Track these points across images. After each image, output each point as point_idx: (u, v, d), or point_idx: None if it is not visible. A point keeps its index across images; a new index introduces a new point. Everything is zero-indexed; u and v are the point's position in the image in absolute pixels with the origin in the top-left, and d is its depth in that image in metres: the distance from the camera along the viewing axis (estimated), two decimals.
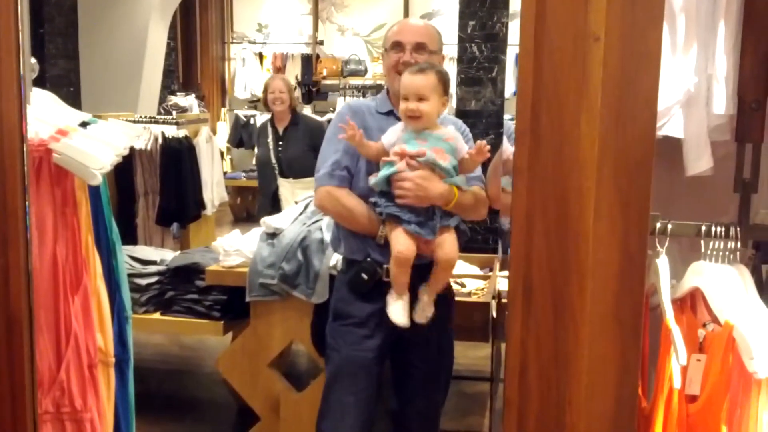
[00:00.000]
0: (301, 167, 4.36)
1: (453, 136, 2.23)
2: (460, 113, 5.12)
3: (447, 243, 2.18)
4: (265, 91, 4.54)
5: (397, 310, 2.16)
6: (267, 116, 4.81)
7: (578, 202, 1.17)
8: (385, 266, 2.23)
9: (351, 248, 2.32)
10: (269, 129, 4.57)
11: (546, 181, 1.18)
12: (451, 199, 2.18)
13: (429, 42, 2.31)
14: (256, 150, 4.70)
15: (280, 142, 4.51)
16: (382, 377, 2.35)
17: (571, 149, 1.16)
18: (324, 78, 9.50)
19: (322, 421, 2.33)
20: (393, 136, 2.21)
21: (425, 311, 2.19)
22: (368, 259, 2.26)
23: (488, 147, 2.19)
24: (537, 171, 1.18)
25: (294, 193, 4.34)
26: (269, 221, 3.17)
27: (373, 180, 2.21)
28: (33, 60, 1.76)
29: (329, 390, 2.32)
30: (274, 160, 4.50)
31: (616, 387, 1.23)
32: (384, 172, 2.17)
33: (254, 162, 4.83)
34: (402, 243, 2.13)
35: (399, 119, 2.27)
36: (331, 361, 2.34)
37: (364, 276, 2.25)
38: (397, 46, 2.31)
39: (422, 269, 2.18)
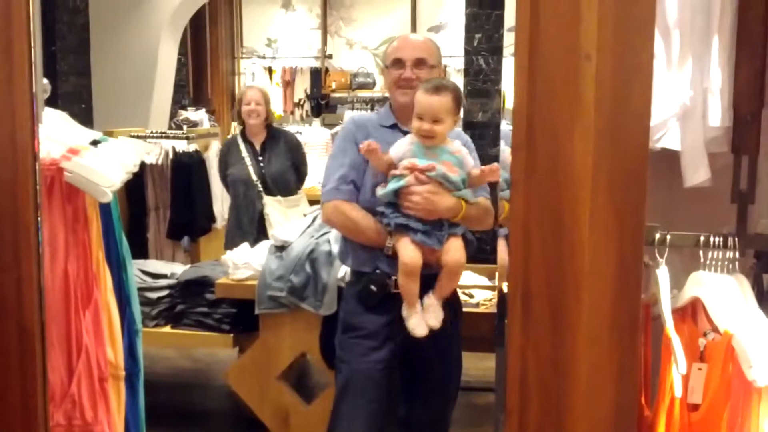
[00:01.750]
0: (287, 184, 4.12)
1: (460, 149, 2.26)
2: (468, 125, 5.13)
3: (453, 248, 2.20)
4: (239, 102, 4.14)
5: (414, 321, 2.17)
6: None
7: (574, 213, 1.20)
8: (393, 278, 2.25)
9: (359, 260, 2.34)
10: (242, 145, 4.16)
11: (542, 193, 1.21)
12: (459, 212, 2.21)
13: (429, 57, 2.34)
14: (227, 170, 4.21)
15: (260, 158, 4.13)
16: (392, 388, 2.37)
17: (566, 162, 1.19)
18: (333, 91, 9.54)
19: None
20: (401, 149, 2.24)
21: (437, 315, 2.19)
22: (377, 271, 2.28)
23: (498, 168, 2.22)
24: (533, 183, 1.20)
25: (284, 212, 4.05)
26: (278, 234, 3.20)
27: (381, 191, 2.23)
28: (45, 80, 1.80)
29: (339, 402, 2.34)
30: (255, 178, 4.08)
31: (614, 394, 1.24)
32: (393, 185, 2.20)
33: (228, 182, 4.26)
34: (409, 253, 2.16)
35: (402, 132, 2.30)
36: (341, 373, 2.36)
37: (373, 288, 2.27)
38: (398, 62, 2.34)
39: (430, 279, 2.20)
